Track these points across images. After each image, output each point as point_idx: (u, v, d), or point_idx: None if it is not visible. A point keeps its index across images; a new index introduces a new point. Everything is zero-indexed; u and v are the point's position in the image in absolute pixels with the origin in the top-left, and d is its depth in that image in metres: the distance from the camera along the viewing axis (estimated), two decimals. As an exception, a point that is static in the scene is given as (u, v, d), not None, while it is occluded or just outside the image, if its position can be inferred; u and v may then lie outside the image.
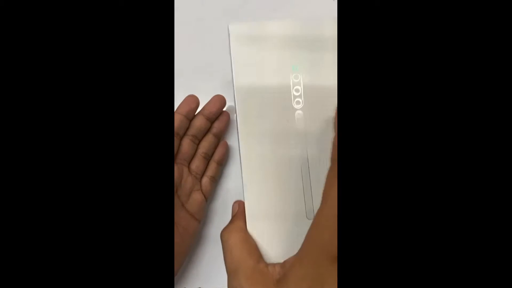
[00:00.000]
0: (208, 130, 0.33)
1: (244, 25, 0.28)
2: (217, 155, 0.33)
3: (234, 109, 0.29)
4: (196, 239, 0.34)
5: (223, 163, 0.35)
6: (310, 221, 0.23)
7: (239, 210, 0.29)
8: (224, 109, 0.34)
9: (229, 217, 0.30)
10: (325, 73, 0.27)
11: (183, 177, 0.31)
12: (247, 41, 0.27)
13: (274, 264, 0.26)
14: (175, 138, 0.30)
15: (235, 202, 0.30)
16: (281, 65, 0.28)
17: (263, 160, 0.27)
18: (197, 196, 0.31)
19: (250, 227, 0.27)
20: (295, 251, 0.24)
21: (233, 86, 0.28)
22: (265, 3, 0.38)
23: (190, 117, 0.31)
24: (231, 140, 0.35)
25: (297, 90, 0.27)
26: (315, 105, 0.27)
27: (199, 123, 0.32)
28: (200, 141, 0.33)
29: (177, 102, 0.32)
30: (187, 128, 0.32)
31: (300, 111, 0.27)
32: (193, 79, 0.36)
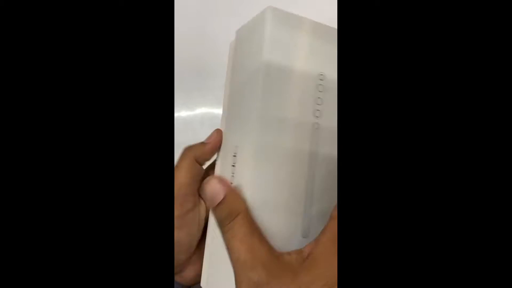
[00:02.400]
0: None
1: (283, 12, 0.26)
2: None
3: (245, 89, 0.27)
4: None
5: None
6: (308, 215, 0.23)
7: (234, 193, 0.25)
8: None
9: None
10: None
11: None
12: (285, 25, 0.26)
13: (288, 252, 0.23)
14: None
15: (212, 179, 0.26)
16: (310, 59, 0.27)
17: (278, 149, 0.25)
18: None
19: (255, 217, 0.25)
20: (295, 244, 0.24)
21: (260, 62, 0.25)
22: (265, 3, 0.38)
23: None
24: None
25: (320, 87, 0.27)
26: (333, 104, 0.27)
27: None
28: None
29: (177, 102, 0.32)
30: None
31: (319, 107, 0.27)
32: (193, 79, 0.36)
